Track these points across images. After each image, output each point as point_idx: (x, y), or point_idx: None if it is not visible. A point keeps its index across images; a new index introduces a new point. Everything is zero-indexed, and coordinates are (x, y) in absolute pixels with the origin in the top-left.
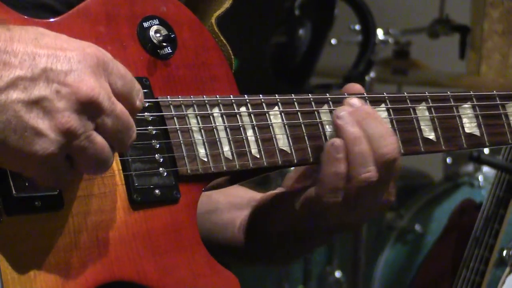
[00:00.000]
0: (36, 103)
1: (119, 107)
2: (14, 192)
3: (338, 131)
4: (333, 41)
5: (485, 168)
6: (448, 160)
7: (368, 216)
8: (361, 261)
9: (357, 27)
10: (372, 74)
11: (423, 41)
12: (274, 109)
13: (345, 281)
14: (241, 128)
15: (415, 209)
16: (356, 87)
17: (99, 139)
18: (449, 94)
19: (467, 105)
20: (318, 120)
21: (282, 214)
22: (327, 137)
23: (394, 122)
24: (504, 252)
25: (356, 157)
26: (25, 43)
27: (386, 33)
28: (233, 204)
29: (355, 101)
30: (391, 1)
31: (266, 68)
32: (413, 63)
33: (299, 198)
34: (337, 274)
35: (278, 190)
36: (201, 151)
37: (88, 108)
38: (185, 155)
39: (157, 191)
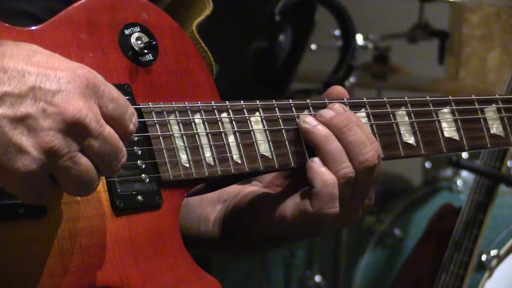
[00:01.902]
0: (21, 120)
1: (108, 130)
2: (20, 200)
3: (307, 135)
4: (313, 47)
5: (464, 173)
6: (427, 164)
7: (350, 221)
8: (340, 265)
9: (337, 32)
10: (352, 79)
11: (403, 46)
12: (255, 115)
13: (325, 285)
14: (223, 134)
15: (395, 213)
16: (339, 89)
17: (83, 160)
18: (428, 99)
19: (446, 110)
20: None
21: (267, 219)
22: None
23: (374, 127)
24: (483, 257)
25: (330, 156)
26: (16, 60)
27: (365, 38)
28: (204, 199)
29: (337, 106)
30: (370, 7)
31: (247, 73)
32: (392, 68)
33: (289, 208)
34: (317, 278)
35: (255, 187)
36: (183, 157)
37: (74, 129)
38: (167, 161)
39: (139, 197)
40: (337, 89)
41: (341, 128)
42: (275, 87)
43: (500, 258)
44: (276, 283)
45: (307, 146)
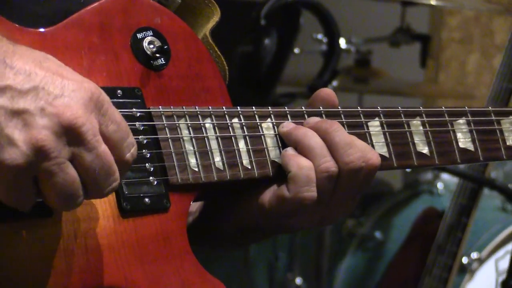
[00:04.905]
0: (18, 114)
1: (103, 147)
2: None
3: (288, 137)
4: (296, 50)
5: (445, 176)
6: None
7: (330, 220)
8: (322, 268)
9: (320, 36)
10: (334, 83)
11: (384, 50)
12: (267, 121)
13: (306, 287)
14: (233, 139)
15: (376, 217)
16: (326, 92)
17: (70, 171)
18: (444, 109)
19: (461, 121)
20: None
21: (245, 209)
22: None
23: (388, 135)
24: (464, 259)
25: (311, 150)
26: (26, 61)
27: (348, 42)
28: None
29: (316, 118)
30: (353, 11)
31: (232, 76)
32: (374, 72)
33: (266, 196)
34: (298, 281)
35: None
36: (192, 161)
37: (69, 134)
38: (175, 164)
39: (147, 199)
40: (325, 91)
41: (327, 129)
42: (260, 90)
43: (481, 261)
44: (259, 285)
45: None
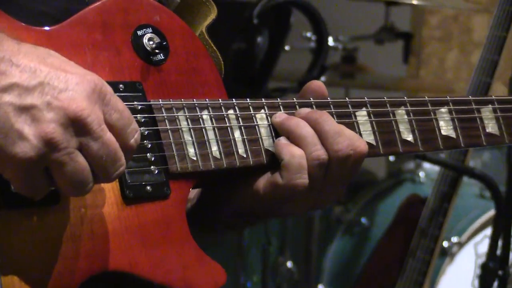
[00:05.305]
0: (26, 110)
1: (108, 135)
2: (13, 188)
3: (280, 126)
4: (287, 48)
5: (426, 165)
6: (391, 158)
7: (321, 204)
8: (311, 251)
9: (309, 34)
10: (322, 78)
11: (369, 47)
12: (261, 112)
13: (296, 270)
14: (229, 129)
15: (361, 204)
16: (317, 83)
17: (80, 159)
18: (427, 99)
19: (444, 109)
20: None
21: (241, 195)
22: None
23: (374, 124)
24: (445, 243)
25: (303, 139)
26: (30, 58)
27: (335, 40)
28: None
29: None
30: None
31: (227, 73)
32: (359, 68)
33: (261, 182)
34: (289, 264)
35: None
36: (191, 150)
37: (75, 125)
38: (175, 154)
39: (148, 187)
40: (315, 83)
41: (317, 119)
42: (253, 85)
43: (461, 245)
44: (253, 268)
45: None
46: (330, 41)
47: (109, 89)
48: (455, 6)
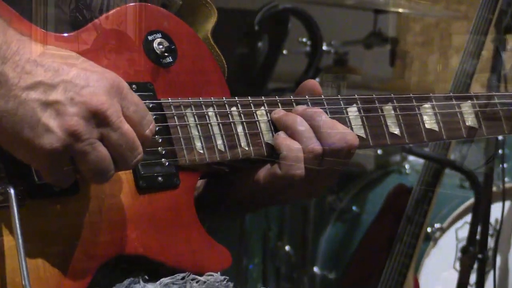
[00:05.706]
0: (51, 105)
1: (126, 127)
2: (36, 179)
3: (279, 122)
4: (284, 52)
5: (411, 158)
6: (379, 151)
7: (317, 193)
8: (307, 237)
9: (305, 39)
10: (317, 79)
11: (359, 51)
12: (261, 109)
13: (294, 254)
14: (232, 124)
15: (352, 193)
16: (312, 82)
17: (101, 148)
18: (412, 95)
19: (427, 105)
20: None
21: (243, 184)
22: None
23: (364, 119)
24: (428, 229)
25: (301, 134)
26: (54, 59)
27: (328, 44)
28: None
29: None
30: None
31: (230, 75)
32: (350, 70)
33: (261, 173)
34: (287, 248)
35: None
36: (198, 144)
37: (96, 118)
38: (184, 147)
39: (160, 178)
40: (310, 82)
41: (312, 115)
42: (254, 86)
43: (443, 230)
44: (254, 252)
45: None
46: (324, 46)
47: (125, 85)
48: (437, 15)
